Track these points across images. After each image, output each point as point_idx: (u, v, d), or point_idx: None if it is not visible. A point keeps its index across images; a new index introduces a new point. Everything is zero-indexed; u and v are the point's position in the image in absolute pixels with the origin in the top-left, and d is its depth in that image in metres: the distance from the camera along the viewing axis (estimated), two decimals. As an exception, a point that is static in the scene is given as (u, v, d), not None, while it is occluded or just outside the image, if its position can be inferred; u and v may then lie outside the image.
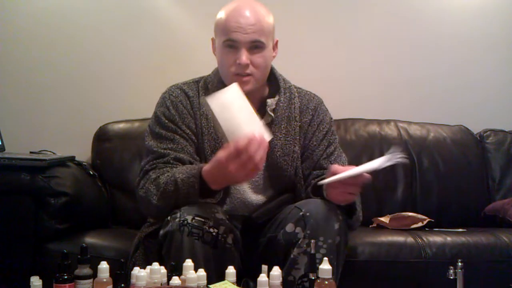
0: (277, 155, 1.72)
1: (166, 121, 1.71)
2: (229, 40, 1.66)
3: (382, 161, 1.50)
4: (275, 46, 1.77)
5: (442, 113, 2.62)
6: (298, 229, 1.54)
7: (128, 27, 2.54)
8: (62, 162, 2.06)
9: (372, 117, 2.54)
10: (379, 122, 2.52)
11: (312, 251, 1.35)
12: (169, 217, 1.51)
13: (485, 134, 2.56)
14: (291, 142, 1.75)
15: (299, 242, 1.52)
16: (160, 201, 1.57)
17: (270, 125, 1.74)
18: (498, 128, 2.58)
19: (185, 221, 1.46)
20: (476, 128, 2.58)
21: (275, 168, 1.73)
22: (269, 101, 1.75)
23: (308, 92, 1.86)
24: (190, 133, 1.70)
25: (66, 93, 2.50)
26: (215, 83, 1.75)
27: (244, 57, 1.65)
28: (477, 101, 2.68)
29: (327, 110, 1.86)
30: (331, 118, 1.86)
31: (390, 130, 2.49)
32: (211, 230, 1.46)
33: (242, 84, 1.66)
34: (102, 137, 2.39)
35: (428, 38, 2.67)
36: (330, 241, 1.52)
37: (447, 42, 2.67)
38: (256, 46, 1.67)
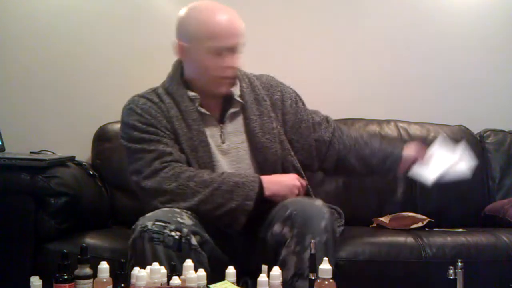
0: (259, 135, 1.75)
1: (144, 126, 1.70)
2: (222, 47, 1.67)
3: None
4: None
5: (442, 113, 2.62)
6: (285, 229, 1.54)
7: (128, 27, 2.54)
8: (62, 162, 2.06)
9: (372, 117, 2.54)
10: (379, 122, 2.52)
11: (312, 251, 1.35)
12: (134, 226, 1.52)
13: (485, 134, 2.56)
14: (267, 120, 1.78)
15: (287, 242, 1.53)
16: (208, 197, 1.59)
17: (242, 111, 1.78)
18: (498, 128, 2.58)
19: (145, 227, 1.47)
20: (476, 128, 2.58)
21: (260, 149, 1.75)
22: (232, 89, 1.77)
23: (261, 74, 1.89)
24: (170, 134, 1.71)
25: (66, 93, 2.50)
26: (175, 85, 1.76)
27: (236, 61, 1.69)
28: (477, 101, 2.68)
29: (282, 82, 1.90)
30: (290, 87, 1.90)
31: (390, 130, 2.49)
32: (173, 233, 1.46)
33: (227, 87, 1.73)
34: (102, 137, 2.39)
35: (428, 38, 2.67)
36: (318, 238, 1.52)
37: (447, 42, 2.67)
38: (239, 49, 1.70)
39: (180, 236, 1.47)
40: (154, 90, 1.80)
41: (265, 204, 1.66)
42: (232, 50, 1.68)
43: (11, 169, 1.89)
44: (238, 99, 1.77)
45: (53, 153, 2.25)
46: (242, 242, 1.69)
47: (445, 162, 1.89)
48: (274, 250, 1.55)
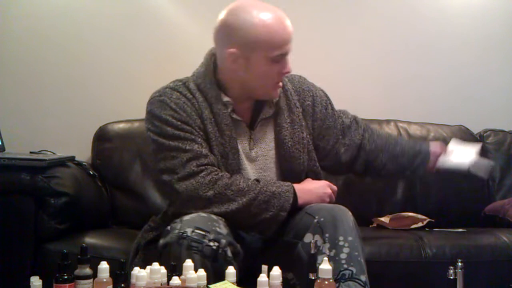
0: (289, 145, 1.70)
1: (179, 123, 1.62)
2: (281, 54, 1.62)
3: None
4: None
5: (442, 113, 2.62)
6: (316, 237, 1.52)
7: (128, 27, 2.54)
8: (62, 162, 2.06)
9: (372, 117, 2.53)
10: (379, 122, 2.52)
11: (312, 251, 1.35)
12: (169, 227, 1.50)
13: (485, 134, 2.56)
14: (298, 129, 1.72)
15: (321, 248, 1.51)
16: (245, 207, 1.57)
17: (275, 117, 1.72)
18: (498, 128, 2.58)
19: (185, 234, 1.44)
20: (476, 128, 2.58)
21: (288, 159, 1.71)
22: None
23: (292, 75, 1.82)
24: (203, 134, 1.64)
25: (66, 93, 2.50)
26: (208, 85, 1.67)
27: (290, 65, 1.66)
28: (477, 101, 2.68)
29: (313, 83, 1.85)
30: (321, 88, 1.86)
31: (390, 130, 2.49)
32: (211, 243, 1.44)
33: (278, 92, 1.69)
34: (102, 137, 2.39)
35: (429, 38, 2.67)
36: (350, 238, 1.51)
37: (447, 42, 2.67)
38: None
39: (218, 247, 1.44)
40: (185, 84, 1.69)
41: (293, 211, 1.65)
42: (288, 54, 1.64)
43: (11, 169, 1.88)
44: (272, 105, 1.72)
45: (53, 153, 2.25)
46: (259, 245, 1.69)
47: (470, 153, 1.91)
48: (308, 260, 1.51)
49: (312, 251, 1.35)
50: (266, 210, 1.58)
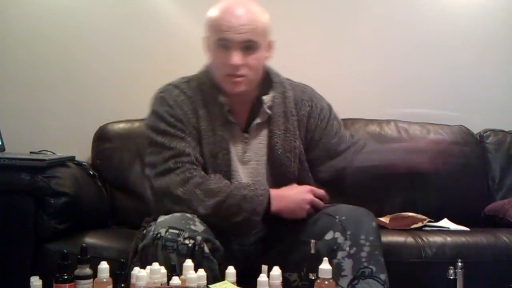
0: (279, 152, 1.69)
1: (172, 119, 1.65)
2: (221, 40, 1.61)
3: None
4: (269, 46, 1.70)
5: (442, 113, 2.62)
6: (337, 234, 1.53)
7: (128, 27, 2.54)
8: (62, 162, 2.06)
9: (372, 117, 2.54)
10: (379, 122, 2.52)
11: (312, 251, 1.35)
12: (145, 231, 1.51)
13: (485, 134, 2.56)
14: (291, 138, 1.71)
15: (341, 245, 1.51)
16: (213, 209, 1.55)
17: (267, 122, 1.71)
18: (498, 128, 2.59)
19: (159, 235, 1.44)
20: (476, 128, 2.58)
21: (278, 166, 1.70)
22: (265, 98, 1.70)
23: (299, 83, 1.81)
24: (195, 133, 1.66)
25: (66, 93, 2.50)
26: (208, 84, 1.70)
27: (236, 58, 1.60)
28: (477, 101, 2.68)
29: (321, 96, 1.83)
30: (329, 104, 1.83)
31: (390, 130, 2.49)
32: (187, 241, 1.44)
33: (233, 86, 1.64)
34: (102, 137, 2.39)
35: (428, 38, 2.67)
36: (372, 238, 1.52)
37: (447, 42, 2.67)
38: (249, 47, 1.61)
39: (194, 244, 1.44)
40: (188, 82, 1.72)
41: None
42: (228, 44, 1.60)
43: (11, 169, 1.89)
44: (267, 110, 1.70)
45: (53, 153, 2.25)
46: (254, 245, 1.68)
47: None
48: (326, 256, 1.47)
49: (312, 251, 1.35)
50: (236, 214, 1.56)
